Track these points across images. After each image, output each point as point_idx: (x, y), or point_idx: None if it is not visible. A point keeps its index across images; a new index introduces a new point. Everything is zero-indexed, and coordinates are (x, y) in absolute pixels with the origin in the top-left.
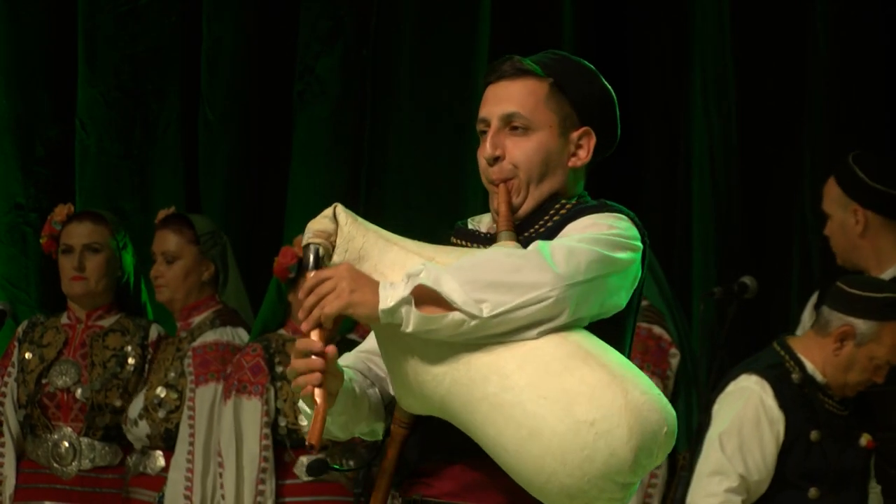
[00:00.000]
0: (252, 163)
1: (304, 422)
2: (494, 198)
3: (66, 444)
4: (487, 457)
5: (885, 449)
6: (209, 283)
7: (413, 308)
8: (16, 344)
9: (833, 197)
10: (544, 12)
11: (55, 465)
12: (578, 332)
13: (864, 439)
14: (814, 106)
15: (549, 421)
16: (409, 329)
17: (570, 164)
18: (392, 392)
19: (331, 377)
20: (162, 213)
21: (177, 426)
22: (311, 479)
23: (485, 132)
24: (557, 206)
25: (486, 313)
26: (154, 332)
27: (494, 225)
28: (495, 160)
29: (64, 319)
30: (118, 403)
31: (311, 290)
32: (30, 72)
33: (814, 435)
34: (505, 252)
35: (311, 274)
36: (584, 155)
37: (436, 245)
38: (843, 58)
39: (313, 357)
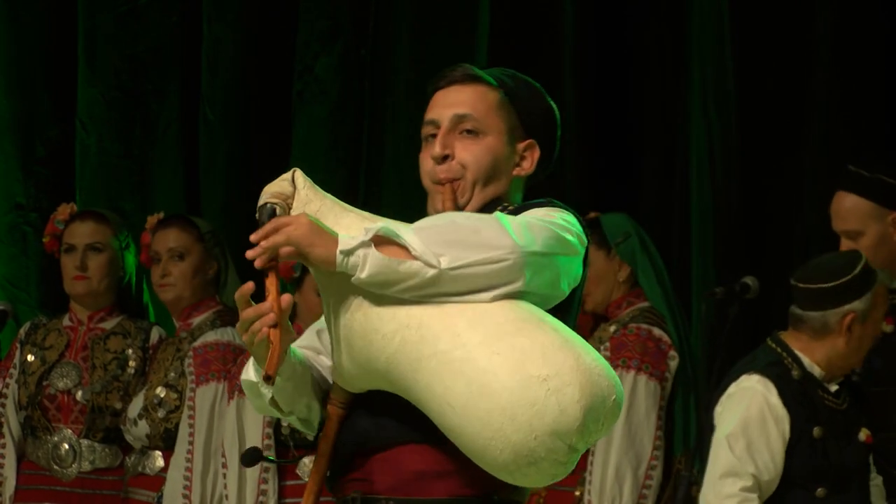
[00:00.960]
0: (252, 162)
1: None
2: (437, 198)
3: (67, 445)
4: (425, 443)
5: (885, 449)
6: (210, 282)
7: (372, 250)
8: (18, 345)
9: (864, 212)
10: (544, 12)
11: (55, 466)
12: (529, 303)
13: (863, 434)
14: (814, 105)
15: (500, 376)
16: (365, 273)
17: (514, 172)
18: (330, 379)
19: (283, 329)
20: (152, 219)
21: (176, 426)
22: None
23: (433, 135)
24: (500, 208)
25: (443, 265)
26: (155, 334)
27: None
28: (444, 159)
29: (66, 321)
30: (118, 406)
31: (266, 234)
32: (30, 72)
33: (816, 431)
34: (464, 215)
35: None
36: (527, 166)
37: (393, 221)
38: (844, 57)
39: (265, 304)
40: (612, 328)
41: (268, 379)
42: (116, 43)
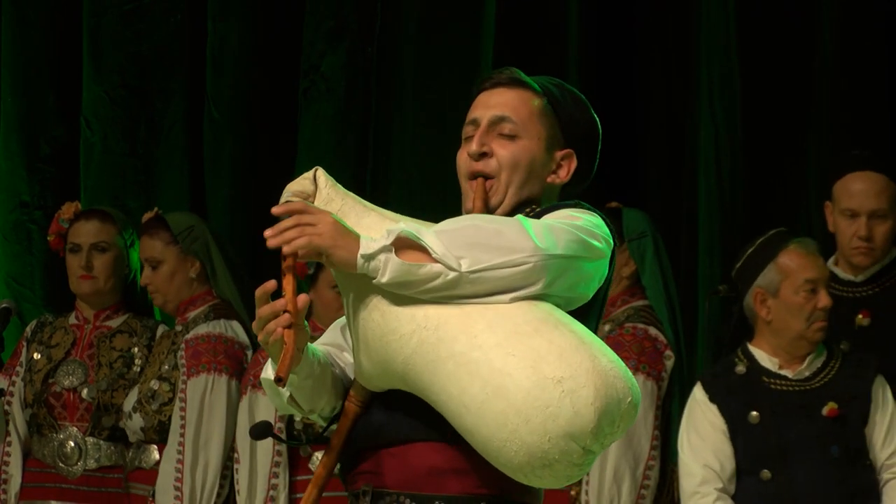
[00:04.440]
0: (257, 161)
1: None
2: (469, 196)
3: (72, 443)
4: (440, 441)
5: None
6: (199, 278)
7: (393, 255)
8: (24, 343)
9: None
10: (550, 12)
11: (61, 464)
12: (549, 304)
13: (827, 408)
14: (819, 105)
15: (515, 377)
16: (385, 278)
17: (549, 179)
18: (352, 376)
19: (298, 329)
20: (146, 217)
21: (170, 419)
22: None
23: (473, 135)
24: (528, 209)
25: (464, 268)
26: (160, 333)
27: None
28: (481, 156)
29: (72, 319)
30: None
31: (290, 217)
32: (35, 70)
33: (753, 417)
34: (486, 218)
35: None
36: (563, 175)
37: (413, 219)
38: (849, 57)
39: (281, 302)
40: (607, 328)
41: (279, 381)
42: (121, 41)
